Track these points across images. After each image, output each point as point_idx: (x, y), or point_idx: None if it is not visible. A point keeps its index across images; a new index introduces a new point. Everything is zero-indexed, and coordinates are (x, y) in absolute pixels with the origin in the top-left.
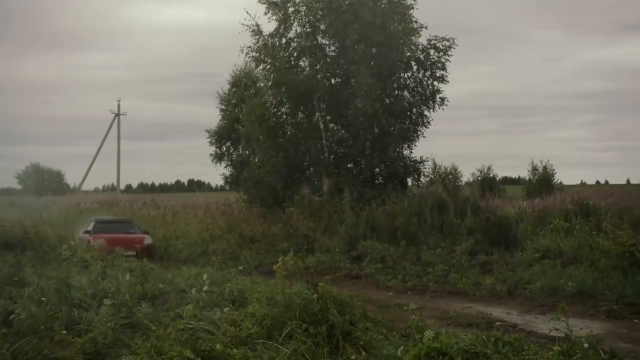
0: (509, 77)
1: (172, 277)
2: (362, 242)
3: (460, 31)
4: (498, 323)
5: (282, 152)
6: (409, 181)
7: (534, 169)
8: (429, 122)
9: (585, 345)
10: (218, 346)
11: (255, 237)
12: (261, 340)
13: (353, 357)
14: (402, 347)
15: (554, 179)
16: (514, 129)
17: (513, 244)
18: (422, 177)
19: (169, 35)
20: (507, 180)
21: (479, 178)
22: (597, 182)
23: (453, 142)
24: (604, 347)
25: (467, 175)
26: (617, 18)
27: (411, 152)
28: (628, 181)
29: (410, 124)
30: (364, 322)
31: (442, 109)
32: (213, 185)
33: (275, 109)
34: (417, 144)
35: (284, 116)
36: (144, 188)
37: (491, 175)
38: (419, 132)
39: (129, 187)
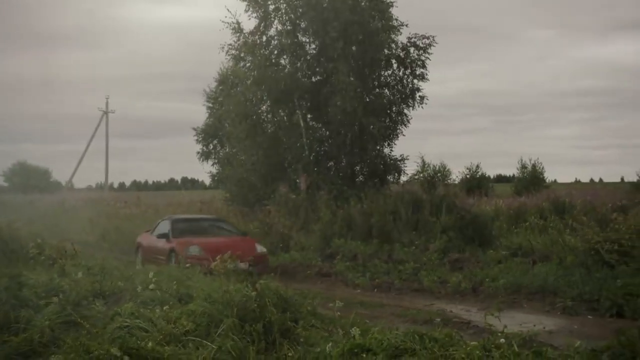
0: (503, 76)
1: (134, 274)
2: (336, 240)
3: (454, 30)
4: (437, 319)
5: (262, 150)
6: (391, 179)
7: (523, 166)
8: (408, 121)
9: (502, 340)
10: (150, 344)
11: None
12: (192, 338)
13: (290, 353)
14: (330, 344)
15: (544, 177)
16: (509, 127)
17: (488, 242)
18: (403, 175)
19: (161, 34)
20: (501, 178)
21: (467, 176)
22: (592, 180)
23: (448, 140)
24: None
25: (456, 173)
26: (610, 17)
27: (391, 150)
28: (622, 179)
29: (390, 122)
30: (309, 319)
31: (422, 107)
32: (207, 183)
33: (255, 107)
34: (397, 142)
35: (265, 114)
36: (137, 186)
37: (480, 173)
38: (398, 131)
39: (122, 185)
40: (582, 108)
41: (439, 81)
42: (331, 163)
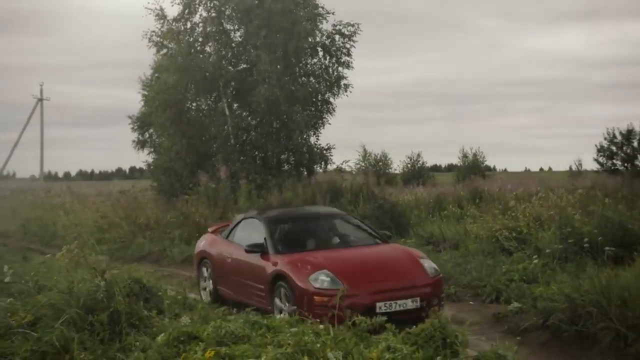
0: (452, 65)
1: (20, 266)
2: None
3: (402, 18)
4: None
5: (186, 138)
6: (319, 168)
7: (464, 155)
8: (334, 109)
9: (321, 327)
10: None
11: (150, 225)
12: (21, 330)
13: (137, 343)
14: (163, 333)
15: (483, 165)
16: (459, 115)
17: (404, 231)
18: (330, 164)
19: (107, 19)
20: (452, 167)
21: (409, 166)
22: (541, 169)
23: (398, 129)
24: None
25: (397, 162)
26: (555, 7)
27: (317, 139)
28: (570, 168)
29: (316, 110)
30: (174, 308)
31: (347, 95)
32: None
33: (179, 95)
34: (323, 130)
35: (189, 102)
36: (83, 176)
37: (421, 162)
38: (324, 119)
39: (67, 175)
40: (531, 97)
41: (388, 70)
42: (256, 152)
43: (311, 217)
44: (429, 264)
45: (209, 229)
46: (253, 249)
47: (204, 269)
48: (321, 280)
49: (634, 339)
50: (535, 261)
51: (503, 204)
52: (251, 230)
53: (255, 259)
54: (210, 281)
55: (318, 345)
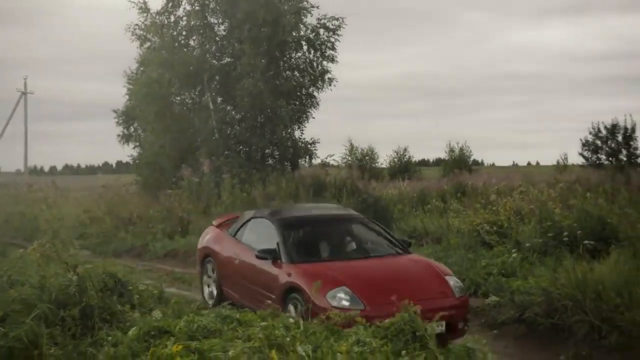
0: (439, 59)
1: None
2: None
3: (389, 12)
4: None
5: (170, 132)
6: (304, 163)
7: (451, 150)
8: (317, 103)
9: (291, 320)
10: None
11: (132, 219)
12: None
13: (109, 337)
14: (134, 328)
15: (469, 159)
16: (448, 109)
17: (388, 225)
18: (315, 158)
19: (93, 13)
20: (440, 162)
21: (395, 160)
22: (529, 163)
23: (387, 124)
24: None
25: (384, 157)
26: (540, 2)
27: (302, 133)
28: (558, 162)
29: (300, 104)
30: (149, 302)
31: (331, 89)
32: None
33: (163, 89)
34: (307, 124)
35: (173, 96)
36: (70, 170)
37: (407, 157)
38: (308, 113)
39: (53, 169)
40: (518, 91)
41: (375, 64)
42: (241, 146)
43: (327, 220)
44: (455, 282)
45: (214, 222)
46: (265, 255)
47: (208, 268)
48: (339, 298)
49: (608, 331)
50: (514, 255)
51: (485, 198)
52: (262, 232)
53: (266, 265)
54: (214, 281)
55: (288, 339)
